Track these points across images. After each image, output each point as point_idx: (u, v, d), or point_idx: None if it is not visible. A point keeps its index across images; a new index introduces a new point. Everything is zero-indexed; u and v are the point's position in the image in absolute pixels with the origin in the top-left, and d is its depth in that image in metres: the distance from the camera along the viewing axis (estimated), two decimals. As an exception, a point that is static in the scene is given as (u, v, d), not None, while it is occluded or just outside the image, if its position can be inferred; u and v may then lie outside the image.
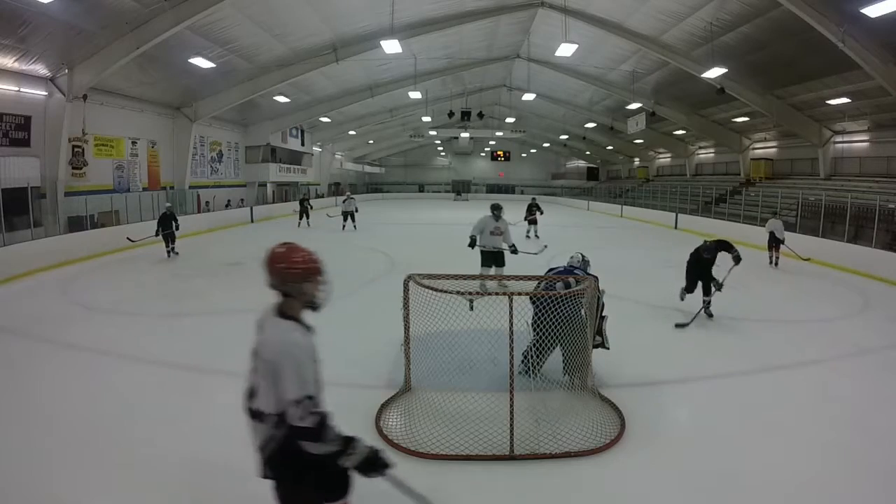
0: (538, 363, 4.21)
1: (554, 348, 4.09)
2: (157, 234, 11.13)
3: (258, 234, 15.92)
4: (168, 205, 11.98)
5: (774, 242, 10.68)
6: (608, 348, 4.41)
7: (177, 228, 11.51)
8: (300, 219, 18.41)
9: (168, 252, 11.47)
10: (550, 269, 4.79)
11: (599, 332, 4.32)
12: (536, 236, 14.74)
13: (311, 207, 19.28)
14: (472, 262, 7.67)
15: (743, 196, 19.63)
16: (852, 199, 12.19)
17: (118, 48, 11.63)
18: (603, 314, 4.43)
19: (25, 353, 5.20)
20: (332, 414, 1.79)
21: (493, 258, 7.62)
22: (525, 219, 15.41)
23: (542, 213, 15.70)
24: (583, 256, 4.72)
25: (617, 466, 3.22)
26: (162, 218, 11.34)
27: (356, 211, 17.02)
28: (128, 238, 11.35)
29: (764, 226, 11.26)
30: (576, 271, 4.49)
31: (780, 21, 11.57)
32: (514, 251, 7.54)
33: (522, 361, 4.23)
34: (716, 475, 3.12)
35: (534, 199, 16.60)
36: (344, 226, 16.73)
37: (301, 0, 12.83)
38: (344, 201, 17.28)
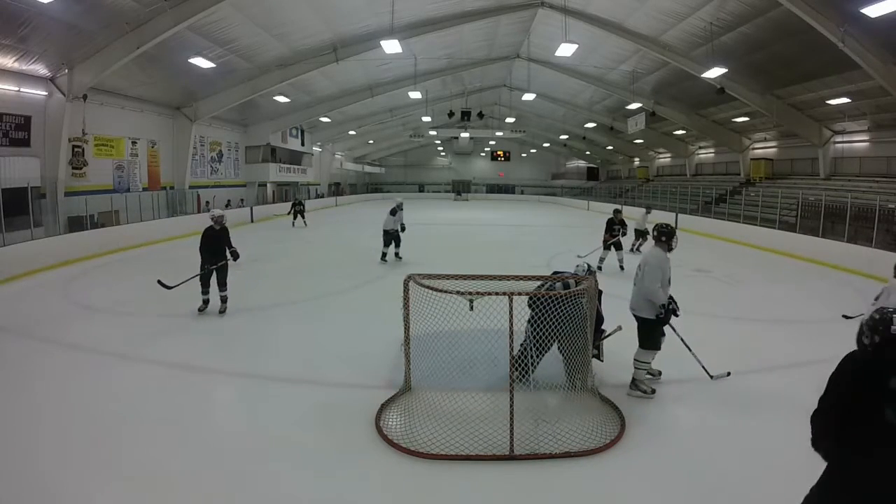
0: (534, 364, 4.18)
1: (549, 348, 4.08)
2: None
3: (258, 235, 15.88)
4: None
5: (643, 234, 11.69)
6: (602, 360, 4.54)
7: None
8: (294, 219, 18.74)
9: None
10: (556, 272, 4.78)
11: (596, 345, 4.39)
12: (621, 267, 9.78)
13: (304, 209, 19.55)
14: (471, 262, 7.61)
15: (743, 196, 19.63)
16: (852, 199, 12.18)
17: (118, 48, 11.66)
18: (602, 327, 4.49)
19: (25, 353, 5.20)
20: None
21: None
22: (605, 242, 10.04)
23: (625, 232, 10.06)
24: (588, 267, 4.70)
25: (617, 466, 3.22)
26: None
27: (403, 230, 10.78)
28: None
29: (644, 217, 12.39)
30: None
31: (780, 21, 11.58)
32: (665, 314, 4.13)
33: (517, 369, 4.14)
34: (716, 475, 3.12)
35: (616, 211, 10.33)
36: (384, 254, 10.65)
37: (301, 0, 12.84)
38: (393, 213, 10.47)
